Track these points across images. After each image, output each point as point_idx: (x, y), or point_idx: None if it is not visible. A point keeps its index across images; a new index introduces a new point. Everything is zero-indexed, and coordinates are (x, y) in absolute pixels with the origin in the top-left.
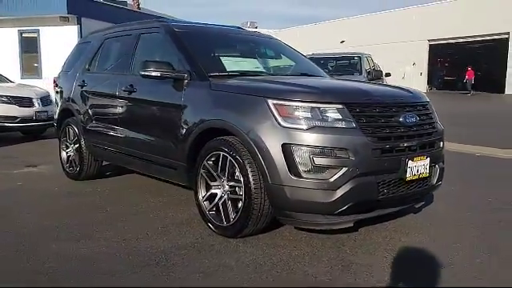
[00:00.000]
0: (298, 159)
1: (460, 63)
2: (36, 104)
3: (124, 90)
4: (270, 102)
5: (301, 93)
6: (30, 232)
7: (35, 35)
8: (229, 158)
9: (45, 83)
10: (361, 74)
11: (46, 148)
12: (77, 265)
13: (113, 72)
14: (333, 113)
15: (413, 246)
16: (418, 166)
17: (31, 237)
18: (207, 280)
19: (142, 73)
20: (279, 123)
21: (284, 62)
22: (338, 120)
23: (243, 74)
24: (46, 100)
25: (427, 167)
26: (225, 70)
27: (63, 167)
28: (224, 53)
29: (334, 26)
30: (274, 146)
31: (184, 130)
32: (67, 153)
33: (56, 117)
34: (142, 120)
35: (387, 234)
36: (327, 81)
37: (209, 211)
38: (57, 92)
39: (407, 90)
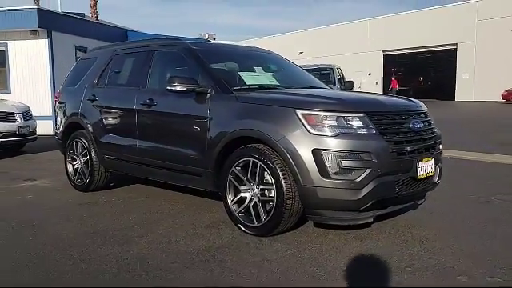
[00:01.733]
0: (327, 162)
1: (413, 73)
2: (18, 119)
3: (143, 104)
4: (299, 112)
5: (327, 104)
6: (71, 239)
7: (3, 49)
8: (259, 163)
9: (14, 97)
10: (335, 84)
11: (32, 163)
12: (134, 264)
13: (127, 87)
14: (356, 121)
15: (423, 236)
16: (425, 166)
17: (75, 243)
18: (260, 272)
19: (168, 87)
20: (309, 131)
21: (289, 74)
22: (361, 127)
23: (262, 87)
24: (27, 115)
25: (432, 167)
26: (245, 84)
27: (70, 180)
28: (239, 68)
29: (291, 38)
30: (305, 151)
31: (211, 140)
32: (74, 165)
33: (60, 131)
34: (165, 131)
35: (399, 229)
36: (344, 93)
37: (238, 213)
38: (59, 107)
39: (410, 100)
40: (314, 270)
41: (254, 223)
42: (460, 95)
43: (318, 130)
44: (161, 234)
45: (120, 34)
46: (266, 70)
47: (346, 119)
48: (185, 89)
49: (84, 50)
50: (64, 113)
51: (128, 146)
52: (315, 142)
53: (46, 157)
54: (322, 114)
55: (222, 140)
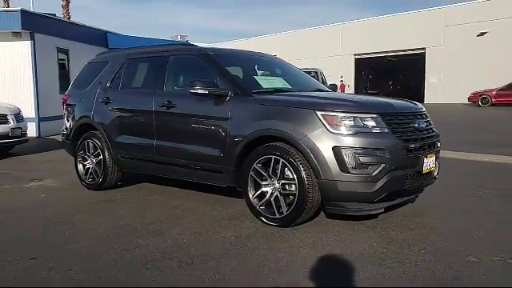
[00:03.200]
0: (346, 158)
1: (383, 76)
2: (11, 121)
3: (161, 106)
4: (319, 113)
5: (344, 105)
6: (106, 233)
7: None
8: (281, 160)
9: None
10: None
11: (27, 164)
12: (176, 252)
13: (143, 89)
14: (370, 121)
15: (427, 225)
16: (429, 162)
17: (112, 236)
18: (294, 257)
19: (191, 90)
20: (329, 130)
21: (297, 78)
22: (375, 126)
23: (277, 90)
24: (18, 116)
25: (434, 163)
26: (262, 88)
27: (81, 179)
28: (253, 72)
29: (264, 41)
30: (325, 148)
31: (232, 139)
32: (85, 165)
33: (69, 132)
34: (185, 131)
35: (404, 218)
36: (357, 96)
37: (259, 206)
38: (68, 109)
39: (413, 102)
40: (344, 251)
41: (275, 215)
42: (429, 98)
43: (337, 130)
44: (188, 226)
45: (99, 36)
46: (277, 74)
47: (362, 119)
48: (207, 92)
49: (65, 51)
50: (73, 115)
51: (145, 145)
52: (335, 140)
53: (37, 158)
54: (341, 114)
55: (244, 139)
